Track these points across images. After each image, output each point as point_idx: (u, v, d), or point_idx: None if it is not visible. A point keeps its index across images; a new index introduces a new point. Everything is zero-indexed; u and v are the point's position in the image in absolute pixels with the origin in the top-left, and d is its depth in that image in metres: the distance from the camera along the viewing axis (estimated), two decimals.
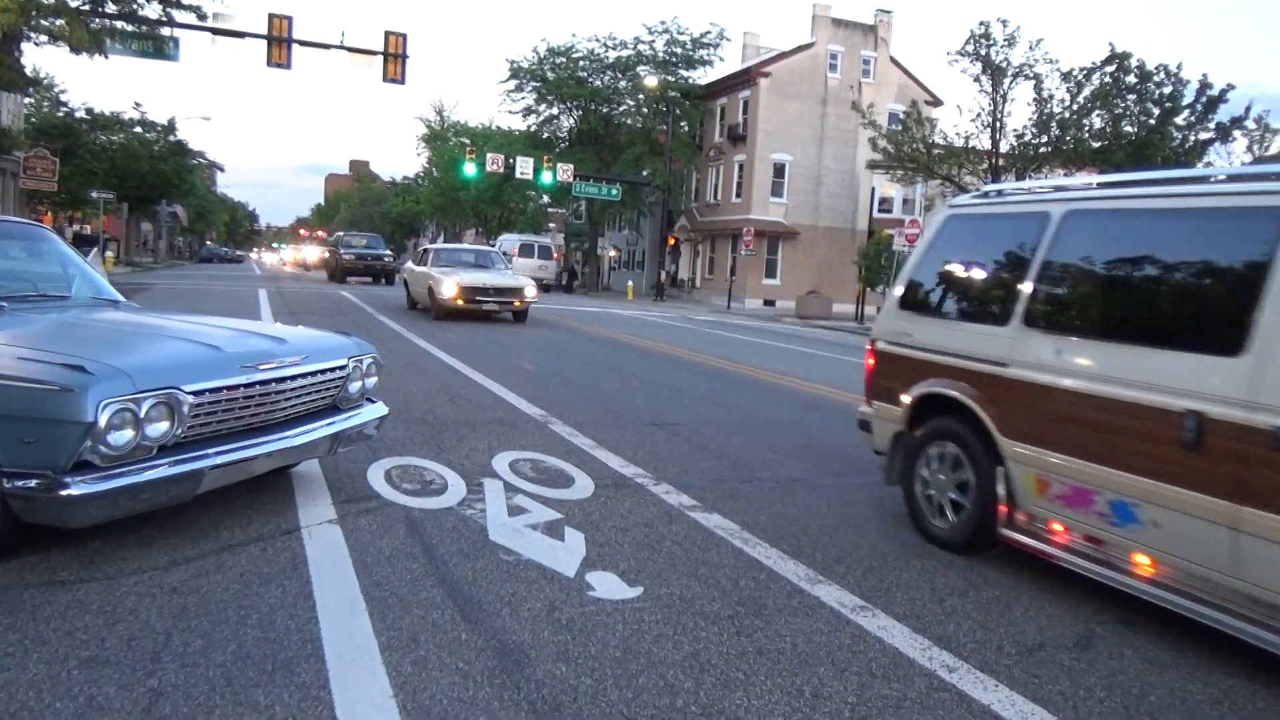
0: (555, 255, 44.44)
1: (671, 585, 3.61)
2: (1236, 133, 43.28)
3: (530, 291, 16.90)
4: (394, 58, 24.65)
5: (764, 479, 5.59)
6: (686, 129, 48.14)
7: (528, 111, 50.57)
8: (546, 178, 37.16)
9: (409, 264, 19.60)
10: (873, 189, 39.93)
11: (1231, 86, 41.43)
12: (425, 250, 19.01)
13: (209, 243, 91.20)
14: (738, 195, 44.14)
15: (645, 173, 44.94)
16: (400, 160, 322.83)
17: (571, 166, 38.65)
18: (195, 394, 3.39)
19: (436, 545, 3.88)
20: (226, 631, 2.91)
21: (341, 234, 38.65)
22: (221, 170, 77.70)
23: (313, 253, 61.25)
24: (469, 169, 37.40)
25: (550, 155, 40.32)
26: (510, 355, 11.51)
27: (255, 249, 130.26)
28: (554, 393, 8.50)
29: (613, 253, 52.94)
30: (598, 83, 48.42)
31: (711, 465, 5.88)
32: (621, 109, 49.30)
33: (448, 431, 6.29)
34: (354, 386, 4.38)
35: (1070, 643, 3.32)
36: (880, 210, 39.19)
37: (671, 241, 46.32)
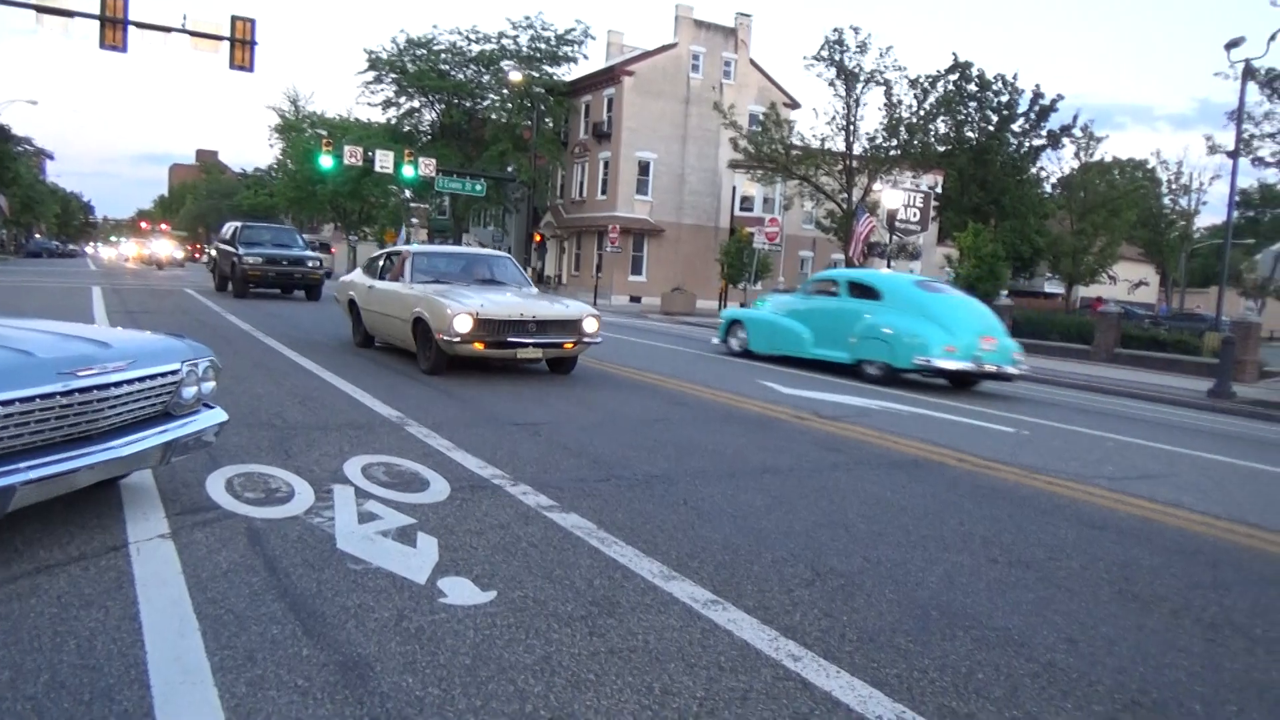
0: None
1: (526, 588, 3.58)
2: (1066, 140, 46.65)
3: (591, 324, 10.15)
4: (241, 44, 23.49)
5: (623, 476, 5.63)
6: (552, 125, 48.01)
7: (388, 104, 49.34)
8: (408, 172, 36.21)
9: (356, 276, 12.65)
10: (734, 188, 40.88)
11: (1061, 97, 44.50)
12: (391, 255, 12.01)
13: (38, 236, 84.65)
14: (603, 192, 44.35)
15: (510, 169, 44.54)
16: (252, 151, 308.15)
17: (434, 161, 37.84)
18: (3, 404, 3.13)
19: (280, 557, 3.72)
20: (39, 660, 2.70)
21: (238, 225, 24.92)
22: (50, 158, 72.22)
23: (163, 247, 54.30)
24: (325, 161, 36.02)
25: (412, 149, 39.38)
26: (353, 351, 11.17)
27: (91, 243, 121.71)
28: (411, 393, 8.30)
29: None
30: (460, 76, 47.70)
31: (571, 464, 5.88)
32: (485, 104, 48.74)
33: (297, 436, 6.04)
34: (188, 392, 4.13)
35: (907, 627, 3.49)
36: (742, 209, 40.17)
37: (537, 238, 46.09)
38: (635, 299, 41.87)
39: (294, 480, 4.89)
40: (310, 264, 22.89)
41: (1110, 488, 6.49)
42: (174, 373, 4.01)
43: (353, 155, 36.11)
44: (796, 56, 68.00)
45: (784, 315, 14.62)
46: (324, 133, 44.18)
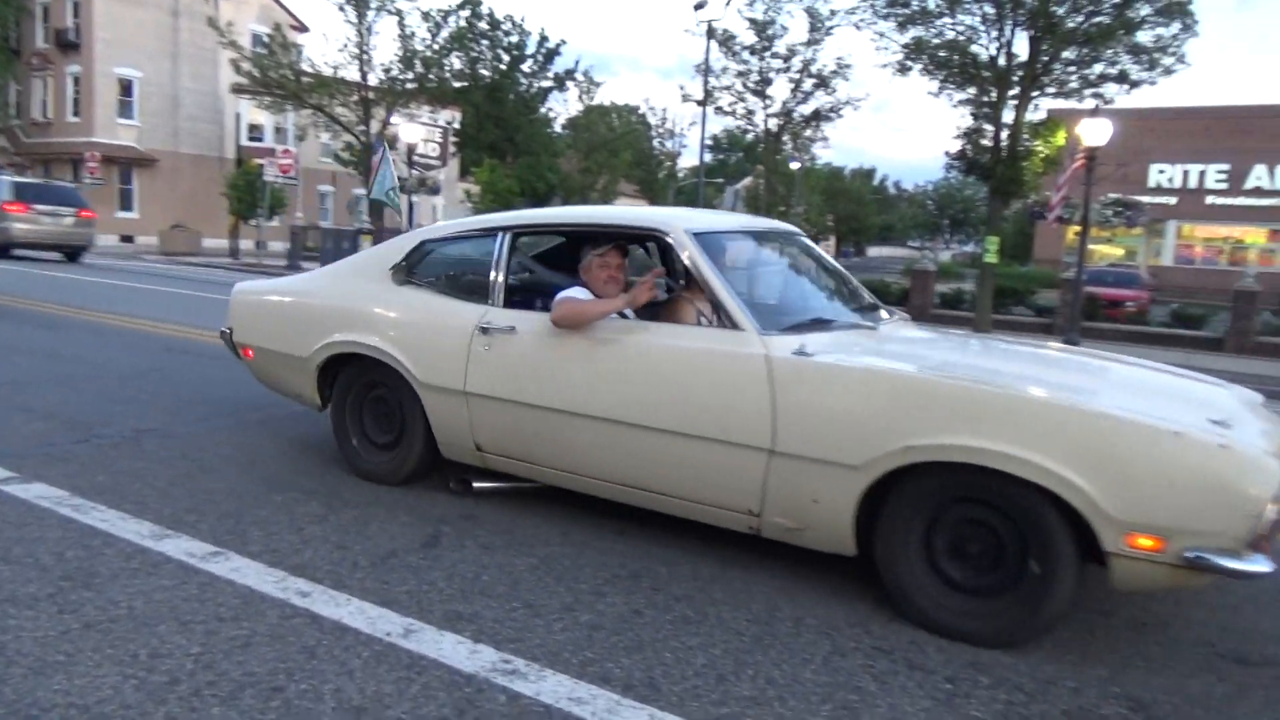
0: None
1: None
2: (570, 83, 50.05)
3: None
4: None
5: (105, 435, 4.98)
6: None
7: None
8: None
9: (344, 288, 4.51)
10: (238, 115, 37.58)
11: (564, 42, 47.45)
12: (635, 245, 4.67)
13: None
14: (75, 114, 37.99)
15: None
16: None
17: None
18: None
19: None
20: None
21: None
22: None
23: None
24: None
25: None
26: None
27: None
28: None
29: None
30: None
31: (37, 429, 5.05)
32: None
33: None
34: None
35: (419, 545, 3.60)
36: (251, 138, 37.11)
37: None
38: (127, 239, 36.72)
39: None
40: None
41: None
42: None
43: None
44: None
45: None
46: None
